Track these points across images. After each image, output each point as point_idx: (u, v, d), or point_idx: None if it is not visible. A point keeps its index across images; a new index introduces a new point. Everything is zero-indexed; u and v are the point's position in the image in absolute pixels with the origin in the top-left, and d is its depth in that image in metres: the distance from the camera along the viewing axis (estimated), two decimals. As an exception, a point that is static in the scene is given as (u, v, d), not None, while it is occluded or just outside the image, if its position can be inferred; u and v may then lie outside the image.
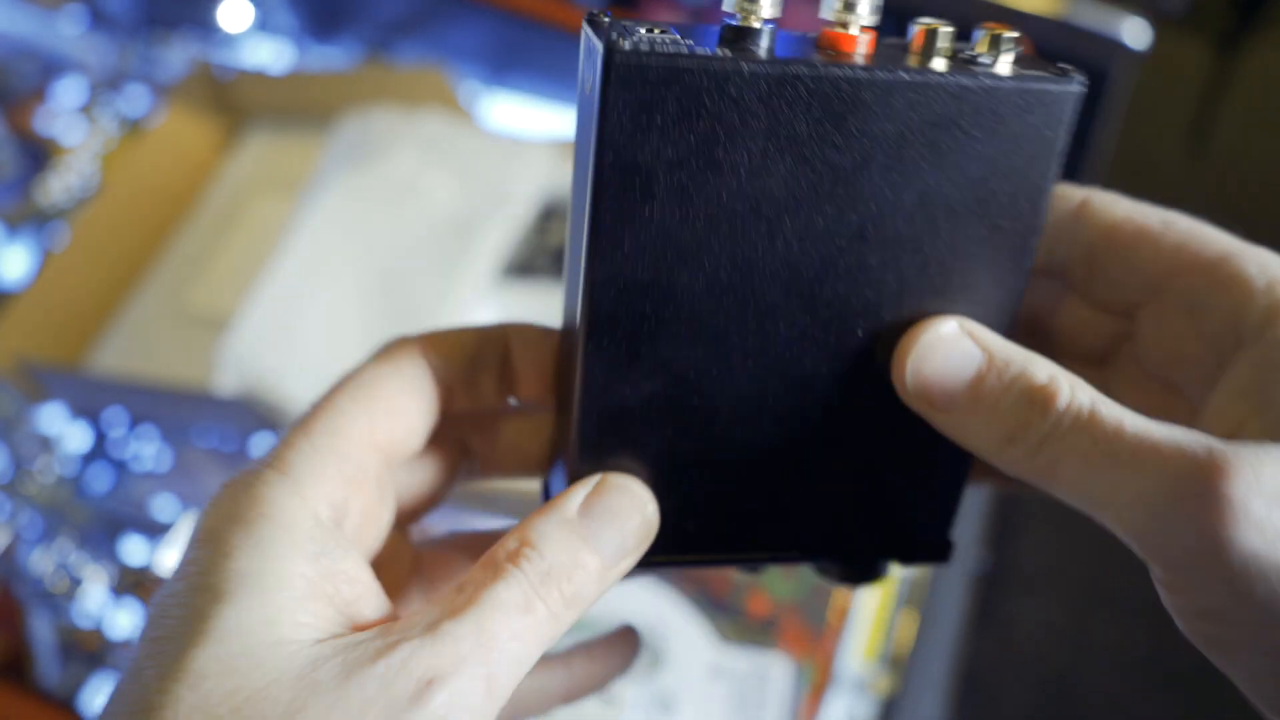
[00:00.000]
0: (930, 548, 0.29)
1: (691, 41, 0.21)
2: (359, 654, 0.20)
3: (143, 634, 0.21)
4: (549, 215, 0.80)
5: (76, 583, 0.68)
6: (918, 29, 0.23)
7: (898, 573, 0.69)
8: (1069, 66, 0.23)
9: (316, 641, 0.21)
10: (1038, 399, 0.22)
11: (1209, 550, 0.20)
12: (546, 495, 0.29)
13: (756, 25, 0.22)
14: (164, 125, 0.90)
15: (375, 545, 0.26)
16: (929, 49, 0.23)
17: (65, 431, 0.77)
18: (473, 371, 0.27)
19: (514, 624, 0.21)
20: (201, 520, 0.22)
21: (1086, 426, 0.22)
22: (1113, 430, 0.21)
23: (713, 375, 0.24)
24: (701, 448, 0.26)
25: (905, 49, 0.23)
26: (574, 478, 0.25)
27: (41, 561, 0.68)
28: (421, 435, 0.26)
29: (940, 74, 0.22)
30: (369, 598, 0.23)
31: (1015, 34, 0.23)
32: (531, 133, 0.85)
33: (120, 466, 0.76)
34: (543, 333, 0.27)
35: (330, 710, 0.19)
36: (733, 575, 0.67)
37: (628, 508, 0.24)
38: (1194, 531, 0.20)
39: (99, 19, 1.05)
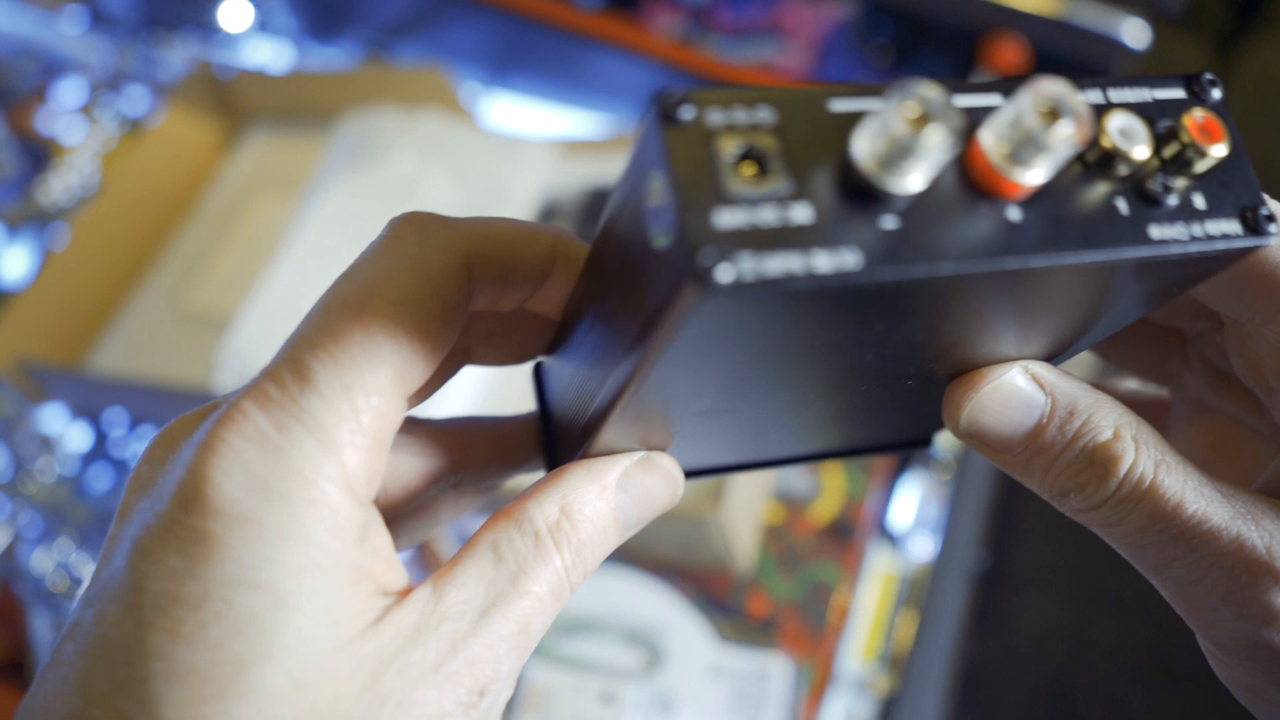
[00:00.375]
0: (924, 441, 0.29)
1: (811, 206, 0.16)
2: (420, 659, 0.20)
3: (161, 617, 0.18)
4: (549, 215, 0.80)
5: (77, 582, 0.68)
6: (1102, 138, 0.18)
7: (898, 573, 0.69)
8: (1270, 205, 0.19)
9: (370, 627, 0.19)
10: (1099, 460, 0.21)
11: (1258, 647, 0.20)
12: (539, 388, 0.27)
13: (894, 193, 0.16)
14: (164, 125, 0.90)
15: (380, 490, 0.24)
16: (1105, 170, 0.18)
17: (66, 431, 0.77)
18: (504, 287, 0.23)
19: (547, 614, 0.22)
20: (215, 475, 0.19)
21: (1146, 497, 0.21)
22: (1172, 508, 0.21)
23: (749, 410, 0.23)
24: (728, 428, 0.24)
25: (1081, 155, 0.18)
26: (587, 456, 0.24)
27: (42, 561, 0.68)
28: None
29: (1110, 251, 0.17)
30: (393, 562, 0.21)
31: (1220, 151, 0.19)
32: (531, 133, 0.85)
33: (120, 466, 0.76)
34: None
35: None
36: (733, 576, 0.67)
37: (662, 493, 0.24)
38: (1245, 628, 0.20)
39: (99, 19, 1.05)
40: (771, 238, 0.15)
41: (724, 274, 0.15)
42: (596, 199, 0.80)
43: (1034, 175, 0.17)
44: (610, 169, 0.82)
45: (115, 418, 0.77)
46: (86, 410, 0.78)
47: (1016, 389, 0.22)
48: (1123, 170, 0.18)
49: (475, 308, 0.23)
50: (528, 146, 0.82)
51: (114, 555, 0.19)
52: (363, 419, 0.20)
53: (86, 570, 0.68)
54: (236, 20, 1.06)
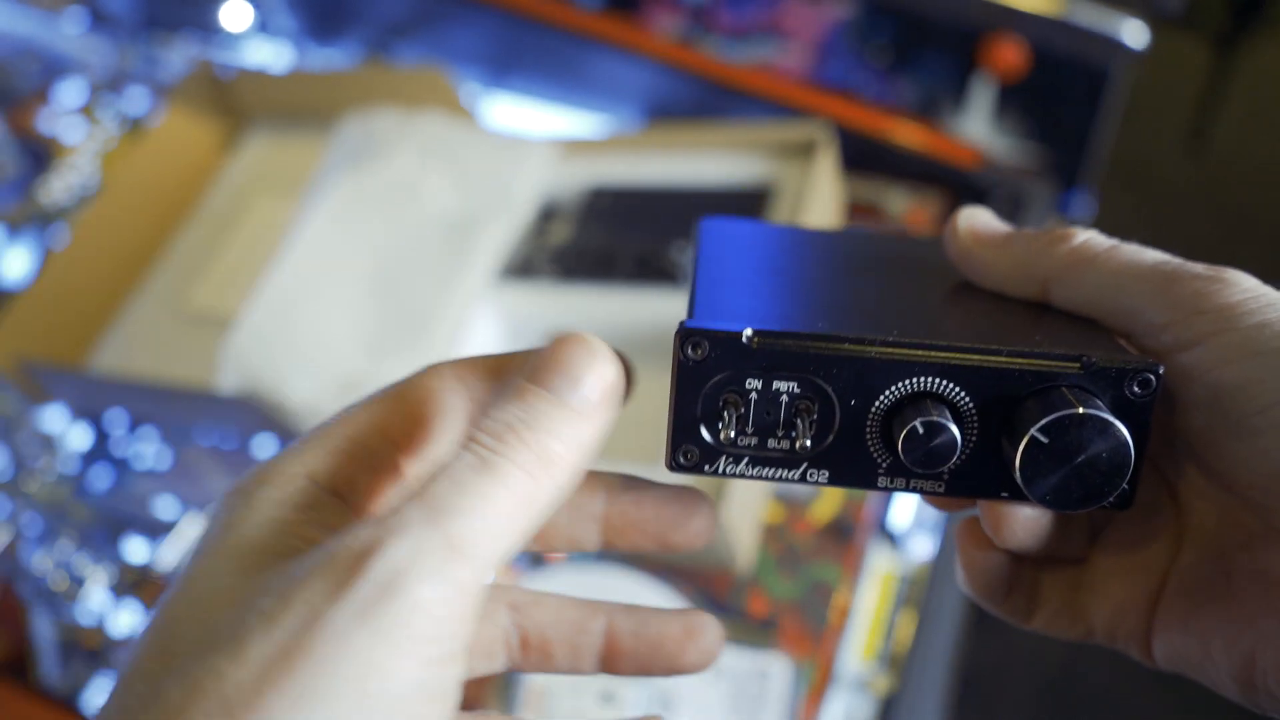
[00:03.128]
0: (1130, 356, 0.24)
1: None
2: (297, 544, 0.21)
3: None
4: (549, 215, 0.80)
5: (78, 582, 0.68)
6: None
7: (898, 572, 0.69)
8: None
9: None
10: (1065, 229, 0.26)
11: (1211, 298, 0.24)
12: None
13: None
14: (165, 125, 0.90)
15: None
16: None
17: (66, 431, 0.77)
18: None
19: (469, 485, 0.20)
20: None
21: (1106, 253, 0.25)
22: (1129, 252, 0.25)
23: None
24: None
25: None
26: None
27: (43, 561, 0.68)
28: None
29: None
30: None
31: None
32: (531, 133, 0.85)
33: (121, 466, 0.76)
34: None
35: (266, 589, 0.19)
36: (732, 576, 0.67)
37: (576, 353, 0.23)
38: (1197, 289, 0.24)
39: (100, 19, 1.05)
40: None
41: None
42: (597, 199, 0.80)
43: None
44: (610, 169, 0.82)
45: (116, 417, 0.77)
46: (87, 410, 0.78)
47: (993, 217, 0.29)
48: None
49: None
50: (528, 146, 0.82)
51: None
52: (329, 428, 0.24)
53: (87, 570, 0.68)
54: (237, 20, 1.06)
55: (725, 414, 0.24)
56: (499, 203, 0.79)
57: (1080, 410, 0.22)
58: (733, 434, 0.24)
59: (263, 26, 1.07)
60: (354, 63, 1.05)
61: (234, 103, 0.94)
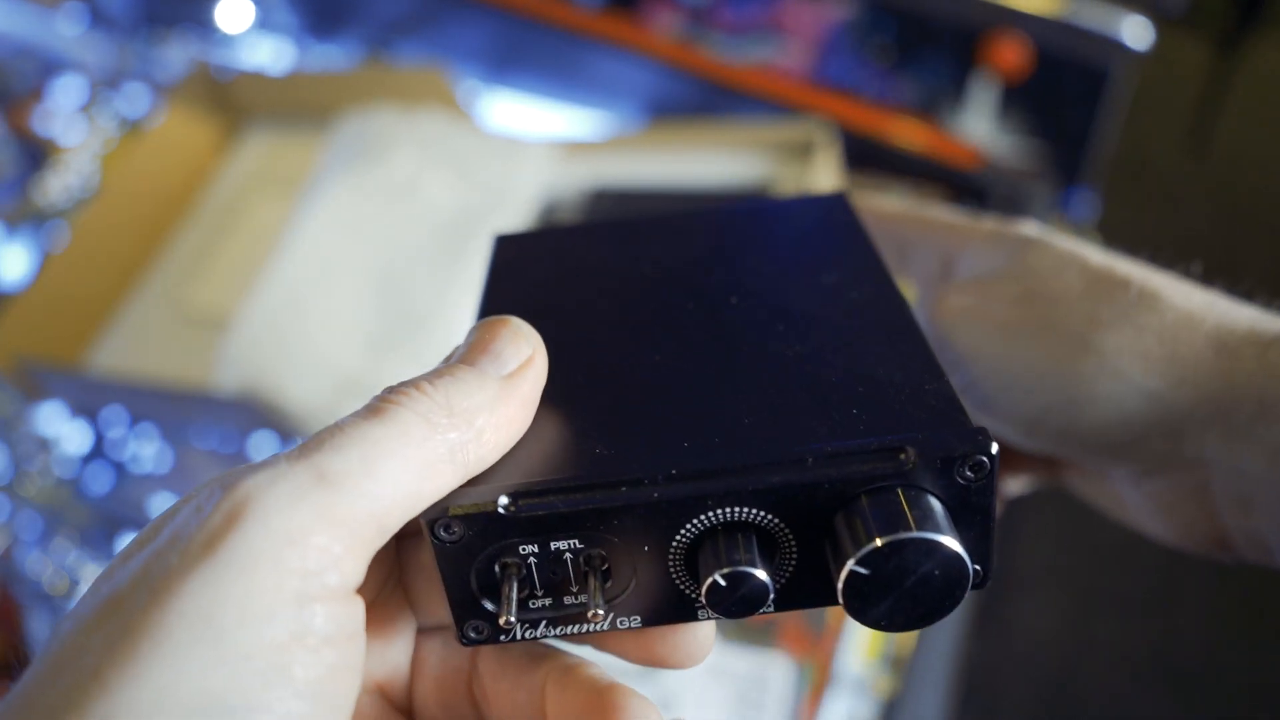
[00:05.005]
0: (957, 435, 0.20)
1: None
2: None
3: None
4: (549, 215, 0.80)
5: (76, 583, 0.68)
6: None
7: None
8: None
9: None
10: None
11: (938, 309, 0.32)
12: None
13: None
14: (163, 125, 0.89)
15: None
16: None
17: (64, 431, 0.77)
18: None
19: (351, 427, 0.19)
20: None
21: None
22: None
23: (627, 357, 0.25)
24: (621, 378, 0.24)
25: None
26: None
27: (41, 562, 0.68)
28: None
29: None
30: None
31: None
32: (531, 133, 0.85)
33: (119, 467, 0.76)
34: None
35: (144, 544, 0.18)
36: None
37: (490, 326, 0.23)
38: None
39: (98, 18, 1.05)
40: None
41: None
42: (597, 199, 0.80)
43: None
44: (610, 169, 0.82)
45: (114, 418, 0.77)
46: (86, 410, 0.77)
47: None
48: None
49: None
50: (528, 146, 0.82)
51: None
52: None
53: (85, 571, 0.68)
54: (236, 20, 1.06)
55: (506, 583, 0.21)
56: (499, 202, 0.79)
57: (899, 537, 0.19)
58: (518, 604, 0.21)
59: (262, 23, 1.07)
60: (353, 61, 1.05)
61: (232, 102, 0.93)
